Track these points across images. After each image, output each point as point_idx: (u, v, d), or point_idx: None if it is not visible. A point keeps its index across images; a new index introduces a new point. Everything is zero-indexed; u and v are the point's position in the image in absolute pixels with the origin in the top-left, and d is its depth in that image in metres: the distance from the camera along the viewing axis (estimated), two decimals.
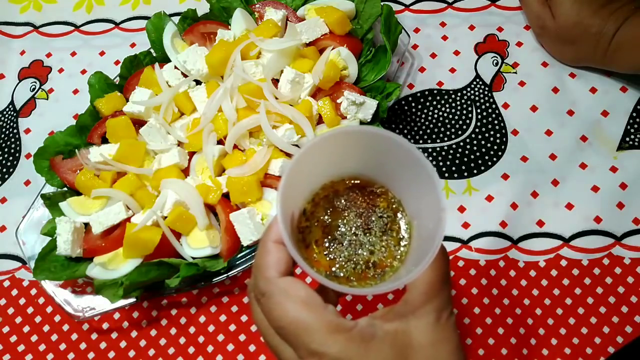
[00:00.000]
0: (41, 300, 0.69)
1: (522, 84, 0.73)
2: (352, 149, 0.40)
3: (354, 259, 0.41)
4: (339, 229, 0.41)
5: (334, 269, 0.40)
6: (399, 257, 0.41)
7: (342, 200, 0.42)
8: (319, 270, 0.40)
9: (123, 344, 0.66)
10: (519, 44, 0.75)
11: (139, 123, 0.69)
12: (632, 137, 0.69)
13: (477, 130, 0.71)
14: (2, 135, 0.79)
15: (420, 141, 0.71)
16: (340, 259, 0.41)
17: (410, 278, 0.35)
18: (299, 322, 0.36)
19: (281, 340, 0.38)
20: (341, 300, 0.65)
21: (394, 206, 0.42)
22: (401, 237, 0.41)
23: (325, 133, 0.38)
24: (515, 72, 0.74)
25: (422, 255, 0.35)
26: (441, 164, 0.70)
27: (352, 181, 0.43)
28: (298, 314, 0.36)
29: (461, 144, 0.71)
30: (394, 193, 0.42)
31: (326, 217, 0.42)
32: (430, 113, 0.73)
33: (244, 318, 0.65)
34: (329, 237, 0.41)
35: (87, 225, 0.65)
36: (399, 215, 0.42)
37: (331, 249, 0.41)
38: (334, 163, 0.42)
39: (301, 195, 0.42)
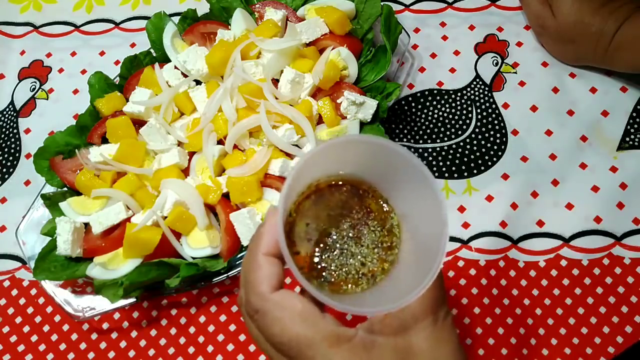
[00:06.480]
0: (41, 300, 0.69)
1: (522, 84, 0.73)
2: (351, 154, 0.39)
3: (343, 266, 0.39)
4: (326, 233, 0.40)
5: (324, 274, 0.39)
6: (388, 259, 0.40)
7: (329, 202, 0.41)
8: (311, 280, 0.39)
9: (123, 344, 0.66)
10: (519, 44, 0.75)
11: (139, 123, 0.69)
12: (632, 137, 0.69)
13: (477, 130, 0.71)
14: (2, 135, 0.79)
15: (420, 141, 0.71)
16: (329, 265, 0.39)
17: (408, 300, 0.34)
18: (300, 338, 0.35)
19: (281, 356, 0.37)
20: None
21: (383, 208, 0.41)
22: (391, 240, 0.40)
23: (333, 140, 0.36)
24: (515, 72, 0.74)
25: (418, 268, 0.35)
26: (441, 164, 0.70)
27: (338, 181, 0.42)
28: (297, 329, 0.36)
29: (461, 144, 0.71)
30: (381, 192, 0.41)
31: (312, 221, 0.40)
32: (430, 113, 0.73)
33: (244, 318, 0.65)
34: (315, 240, 0.40)
35: (87, 225, 0.65)
36: (389, 216, 0.41)
37: (318, 255, 0.40)
38: (327, 166, 0.41)
39: (290, 199, 0.40)
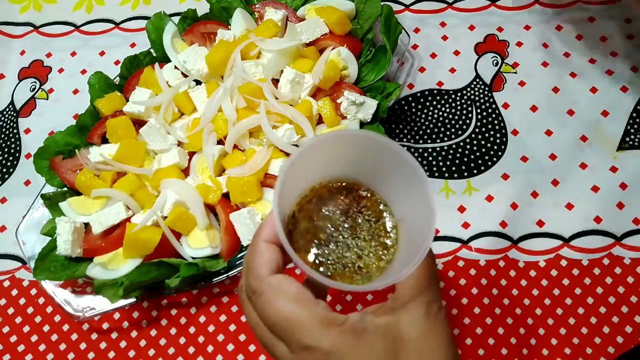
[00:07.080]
0: (41, 300, 0.69)
1: (522, 84, 0.73)
2: (344, 151, 0.40)
3: (342, 262, 0.40)
4: (326, 231, 0.41)
5: (322, 269, 0.40)
6: (384, 257, 0.41)
7: (329, 203, 0.42)
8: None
9: (123, 344, 0.66)
10: (519, 44, 0.75)
11: (139, 123, 0.69)
12: (632, 137, 0.69)
13: (477, 130, 0.71)
14: (2, 135, 0.79)
15: (420, 141, 0.71)
16: (328, 262, 0.40)
17: (401, 277, 0.35)
18: (291, 318, 0.37)
19: (274, 337, 0.38)
20: (338, 296, 0.65)
21: (380, 208, 0.42)
22: (388, 239, 0.41)
23: (321, 135, 0.38)
24: (515, 72, 0.74)
25: (411, 256, 0.35)
26: (441, 164, 0.70)
27: (338, 184, 0.43)
28: (290, 310, 0.37)
29: (461, 144, 0.71)
30: (380, 195, 0.43)
31: (313, 220, 0.42)
32: (430, 113, 0.73)
33: (244, 318, 0.65)
34: (316, 239, 0.41)
35: (87, 225, 0.65)
36: (386, 216, 0.42)
37: (318, 252, 0.41)
38: (324, 166, 0.42)
39: (291, 199, 0.42)
